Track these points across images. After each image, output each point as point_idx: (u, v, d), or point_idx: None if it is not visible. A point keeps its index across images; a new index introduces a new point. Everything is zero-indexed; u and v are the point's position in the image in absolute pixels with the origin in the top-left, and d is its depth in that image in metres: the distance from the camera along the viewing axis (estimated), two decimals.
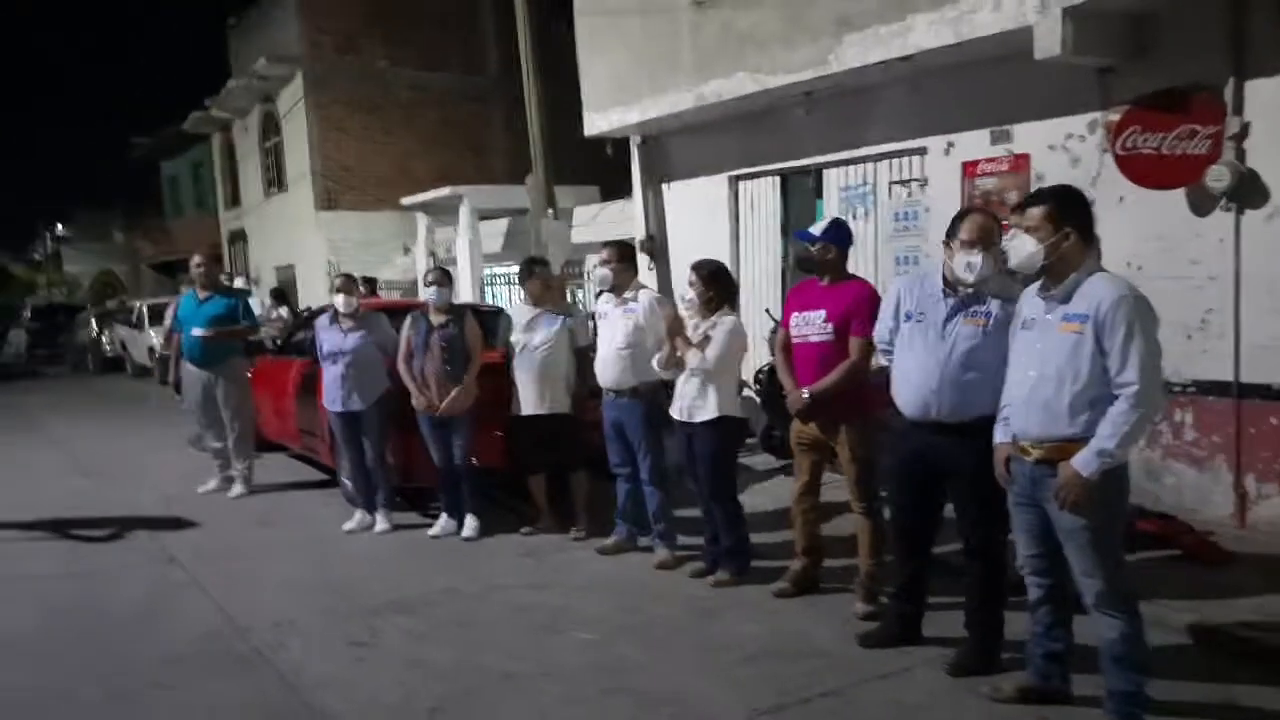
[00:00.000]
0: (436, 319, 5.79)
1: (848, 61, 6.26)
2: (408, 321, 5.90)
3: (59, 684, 3.84)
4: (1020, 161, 6.08)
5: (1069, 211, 3.14)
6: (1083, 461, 2.99)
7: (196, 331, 6.96)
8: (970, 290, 3.60)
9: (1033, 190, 4.29)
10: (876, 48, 6.04)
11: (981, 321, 3.57)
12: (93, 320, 20.77)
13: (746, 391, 7.57)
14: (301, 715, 3.51)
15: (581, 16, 8.86)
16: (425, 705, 3.55)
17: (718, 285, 4.79)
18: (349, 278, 6.26)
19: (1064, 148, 5.83)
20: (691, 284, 4.81)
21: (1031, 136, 6.00)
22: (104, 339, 19.35)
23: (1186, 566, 4.63)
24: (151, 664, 3.99)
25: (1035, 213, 3.15)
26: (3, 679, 3.90)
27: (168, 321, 9.58)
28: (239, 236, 21.22)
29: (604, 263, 5.32)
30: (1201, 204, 5.24)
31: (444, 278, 5.90)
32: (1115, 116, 5.38)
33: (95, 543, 5.92)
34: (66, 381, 18.34)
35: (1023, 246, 3.15)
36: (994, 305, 3.55)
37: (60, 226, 46.95)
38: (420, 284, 9.65)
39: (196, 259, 7.23)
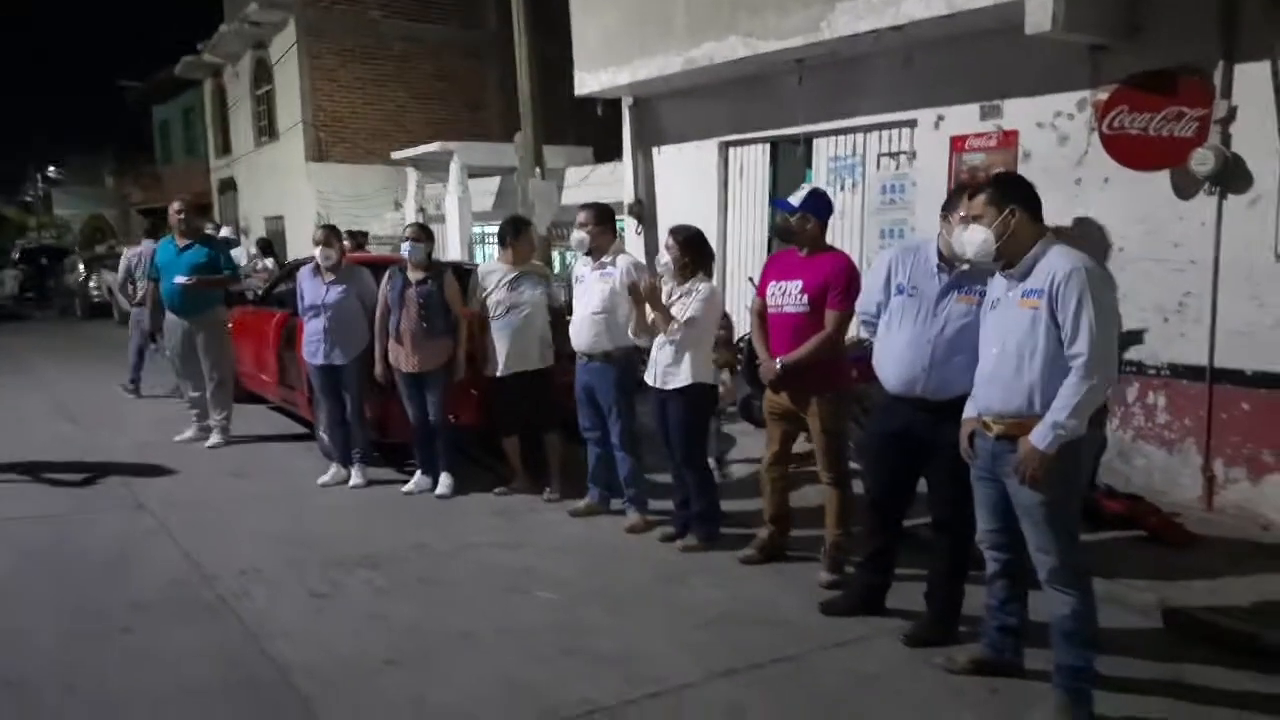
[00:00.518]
0: (414, 275, 5.75)
1: (839, 29, 6.18)
2: (385, 278, 5.86)
3: (22, 625, 3.86)
4: (1009, 138, 6.04)
5: (1009, 192, 3.17)
6: (1039, 435, 3.02)
7: (178, 280, 6.90)
8: (966, 267, 3.56)
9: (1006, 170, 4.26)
10: (868, 16, 5.97)
11: (974, 300, 3.54)
12: (80, 265, 20.61)
13: None
14: (258, 663, 3.53)
15: None
16: (381, 658, 3.58)
17: (693, 251, 4.77)
18: (331, 229, 6.18)
19: (1052, 125, 5.80)
20: (668, 248, 4.79)
21: (1021, 113, 5.96)
22: (91, 284, 19.21)
23: (1151, 547, 4.68)
24: (116, 609, 4.01)
25: (978, 201, 3.20)
26: None
27: (121, 272, 9.54)
28: (229, 185, 21.02)
29: (581, 226, 5.28)
30: (1185, 187, 5.22)
31: (421, 233, 5.84)
32: (1104, 95, 5.34)
33: (68, 487, 5.92)
34: (54, 325, 18.25)
35: (974, 236, 3.18)
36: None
37: (52, 169, 46.48)
38: None
39: (176, 205, 7.14)
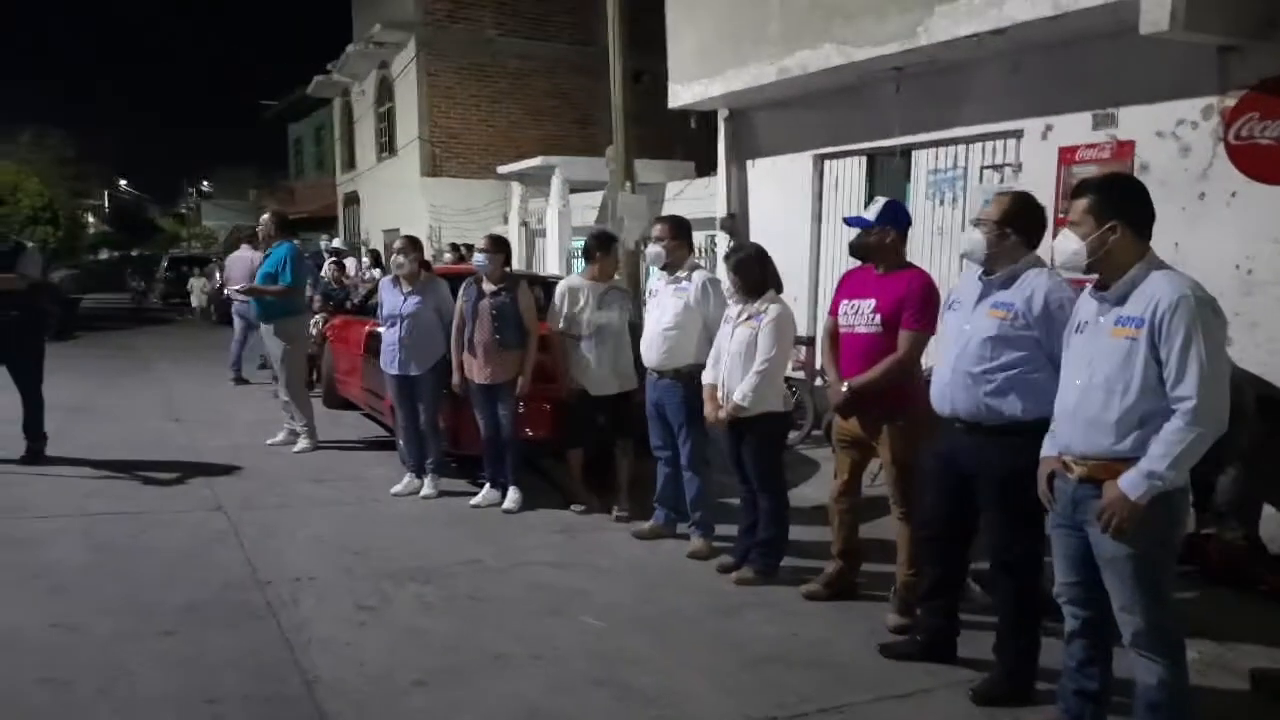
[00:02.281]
0: (488, 287, 5.71)
1: (937, 35, 5.84)
2: (461, 289, 5.84)
3: (81, 620, 3.92)
4: (1124, 149, 5.55)
5: (1115, 203, 2.78)
6: (1130, 483, 2.66)
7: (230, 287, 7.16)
8: (991, 277, 3.32)
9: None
10: (968, 19, 5.61)
11: (1003, 314, 3.27)
12: (218, 273, 21.78)
13: (818, 382, 7.26)
14: (288, 676, 3.47)
15: None
16: (410, 678, 3.47)
17: (749, 273, 4.54)
18: (411, 240, 6.22)
19: (1174, 135, 5.29)
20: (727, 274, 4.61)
21: (1138, 121, 5.47)
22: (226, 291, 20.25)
23: (1266, 605, 4.18)
24: (167, 610, 4.04)
25: (1078, 205, 2.83)
26: (27, 608, 4.03)
27: (218, 275, 10.10)
28: (353, 199, 21.84)
29: (658, 239, 5.14)
30: None
31: (494, 245, 5.79)
32: (1232, 101, 4.83)
33: (153, 485, 6.12)
34: (189, 329, 19.35)
35: (1066, 244, 2.83)
36: (1017, 298, 3.25)
37: (205, 183, 49.81)
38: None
39: (264, 216, 7.38)
